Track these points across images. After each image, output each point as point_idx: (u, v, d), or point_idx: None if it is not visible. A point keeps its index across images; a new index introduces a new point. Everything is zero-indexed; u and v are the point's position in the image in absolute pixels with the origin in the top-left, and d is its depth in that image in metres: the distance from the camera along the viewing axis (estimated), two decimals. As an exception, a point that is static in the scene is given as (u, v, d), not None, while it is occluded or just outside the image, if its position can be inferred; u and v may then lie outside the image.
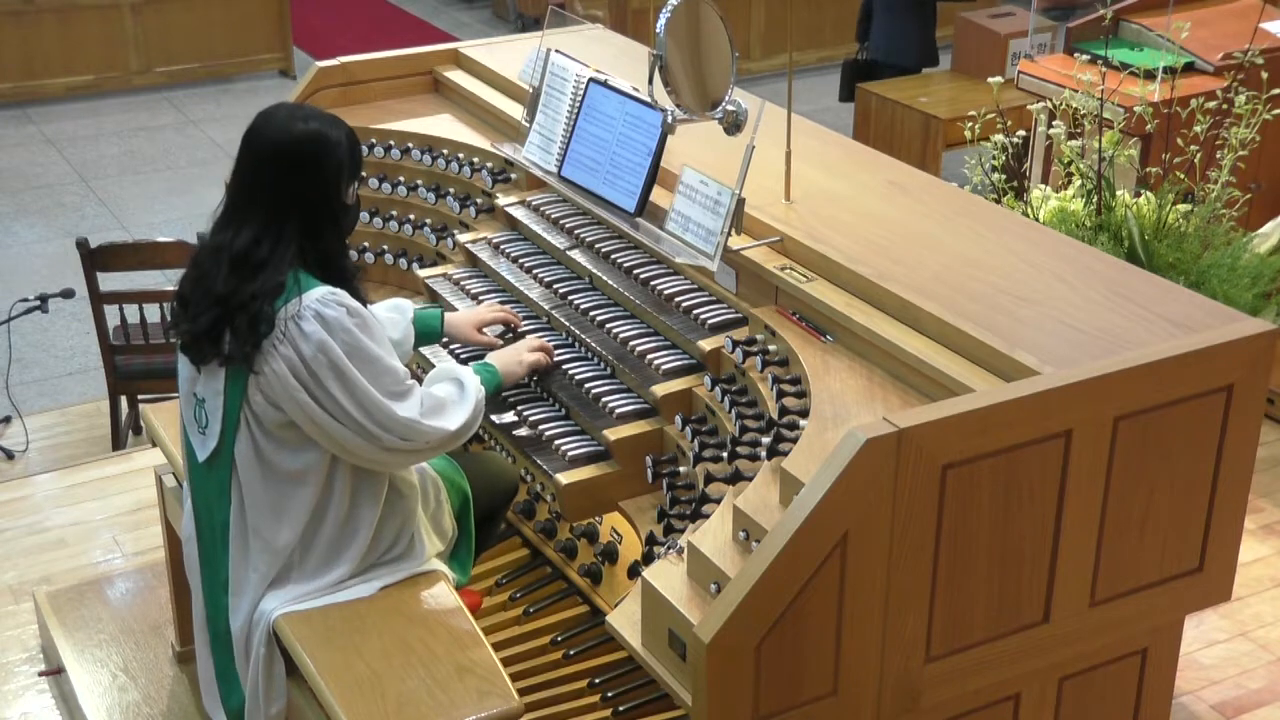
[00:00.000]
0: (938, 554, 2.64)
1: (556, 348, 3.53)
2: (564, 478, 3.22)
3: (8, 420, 5.84)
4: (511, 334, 3.64)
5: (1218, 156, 4.44)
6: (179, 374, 3.12)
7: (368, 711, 2.81)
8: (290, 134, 2.96)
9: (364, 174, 4.32)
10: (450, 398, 3.14)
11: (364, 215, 4.31)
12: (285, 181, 2.95)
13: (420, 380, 3.21)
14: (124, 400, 5.50)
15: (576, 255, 3.73)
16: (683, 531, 2.92)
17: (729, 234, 3.30)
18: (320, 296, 2.92)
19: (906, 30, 8.02)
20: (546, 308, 3.65)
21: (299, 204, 2.95)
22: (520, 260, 3.84)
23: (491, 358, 3.40)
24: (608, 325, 3.49)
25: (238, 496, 3.05)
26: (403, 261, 4.24)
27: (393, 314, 3.49)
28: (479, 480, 3.41)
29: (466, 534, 3.35)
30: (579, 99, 3.78)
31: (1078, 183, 4.58)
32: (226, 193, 3.02)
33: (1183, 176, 4.47)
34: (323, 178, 2.97)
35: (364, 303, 3.04)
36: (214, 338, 2.92)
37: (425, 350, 3.66)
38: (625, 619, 2.82)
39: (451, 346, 3.69)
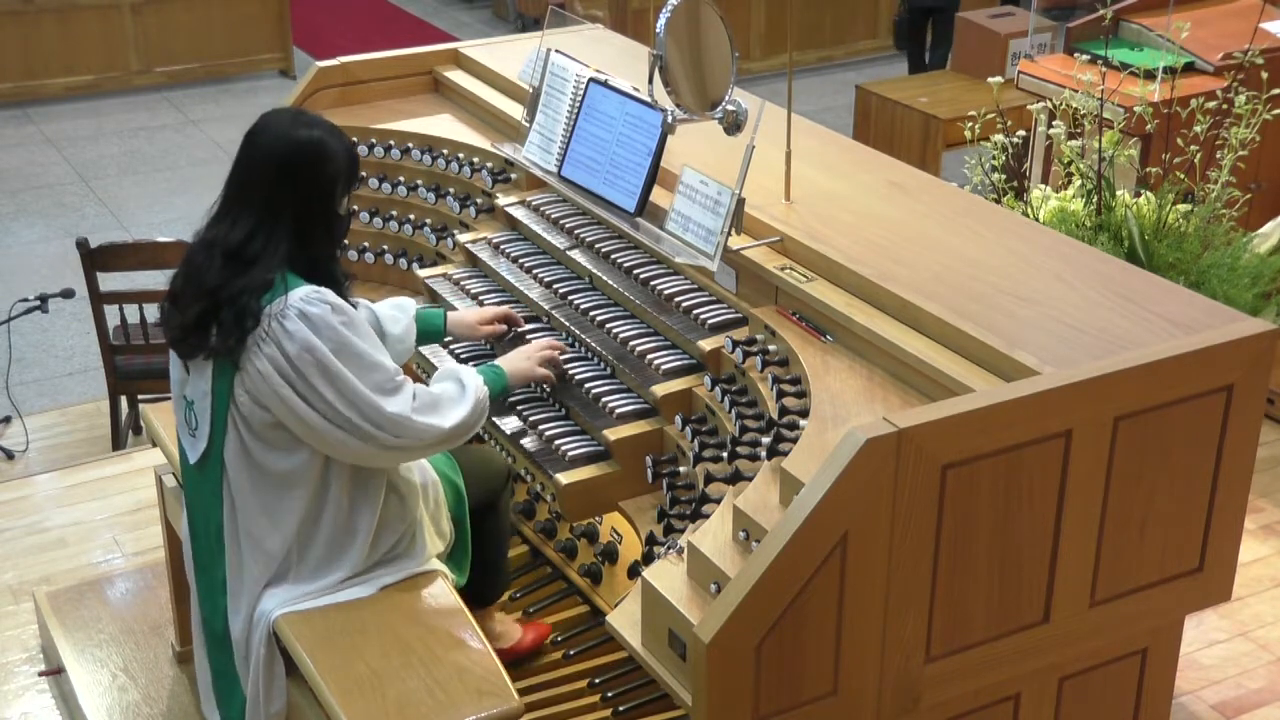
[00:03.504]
0: (938, 554, 2.64)
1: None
2: (564, 478, 3.22)
3: (8, 420, 5.83)
4: (514, 334, 3.63)
5: (1218, 156, 4.44)
6: (171, 377, 3.14)
7: (368, 711, 2.81)
8: (292, 139, 2.98)
9: (364, 174, 4.33)
10: (448, 395, 3.12)
11: (364, 215, 4.31)
12: (283, 184, 2.96)
13: (426, 384, 3.20)
14: (124, 400, 5.50)
15: (576, 255, 3.73)
16: (683, 531, 2.92)
17: (729, 234, 3.30)
18: (304, 295, 2.93)
19: None
20: (546, 308, 3.65)
21: (293, 207, 2.97)
22: (520, 260, 3.84)
23: (500, 361, 3.39)
24: (608, 325, 3.49)
25: (229, 499, 3.05)
26: (403, 261, 4.24)
27: (395, 311, 3.49)
28: (469, 468, 3.40)
29: (463, 537, 3.35)
30: (579, 99, 3.77)
31: (1078, 183, 4.58)
32: (224, 189, 3.04)
33: (1183, 176, 4.47)
34: (319, 185, 2.99)
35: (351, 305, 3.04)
36: (201, 330, 2.94)
37: (426, 351, 3.66)
38: (625, 619, 2.82)
39: (453, 347, 3.69)
